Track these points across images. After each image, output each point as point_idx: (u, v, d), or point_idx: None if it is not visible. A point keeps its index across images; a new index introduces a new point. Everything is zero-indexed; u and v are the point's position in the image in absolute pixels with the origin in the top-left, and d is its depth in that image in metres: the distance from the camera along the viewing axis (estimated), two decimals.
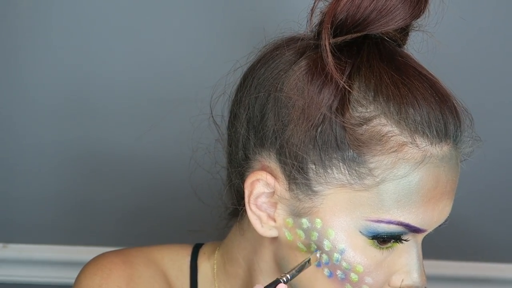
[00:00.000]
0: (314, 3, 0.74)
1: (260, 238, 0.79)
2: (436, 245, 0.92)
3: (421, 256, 0.75)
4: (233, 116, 0.79)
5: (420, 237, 0.74)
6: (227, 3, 1.16)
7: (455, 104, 0.73)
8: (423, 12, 0.74)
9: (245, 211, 0.81)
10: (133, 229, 1.27)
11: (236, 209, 0.83)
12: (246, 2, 1.15)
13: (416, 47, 0.78)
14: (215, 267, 0.86)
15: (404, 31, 0.76)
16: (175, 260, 0.87)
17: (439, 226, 0.75)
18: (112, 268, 0.83)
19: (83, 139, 1.22)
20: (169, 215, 1.25)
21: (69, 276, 1.25)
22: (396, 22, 0.72)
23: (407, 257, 0.74)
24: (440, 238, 0.84)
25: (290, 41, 0.76)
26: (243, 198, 0.79)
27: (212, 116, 0.85)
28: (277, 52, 0.76)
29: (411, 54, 0.77)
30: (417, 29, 0.77)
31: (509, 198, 1.24)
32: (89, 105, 1.20)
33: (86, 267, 0.85)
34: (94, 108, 1.21)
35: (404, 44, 0.78)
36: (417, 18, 0.74)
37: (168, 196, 1.24)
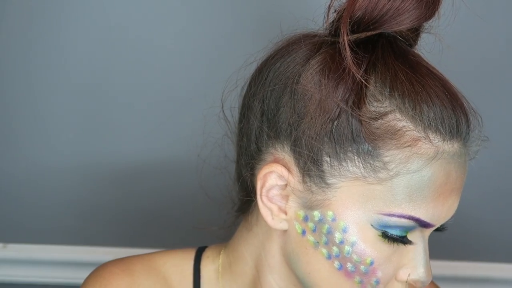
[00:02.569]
0: (331, 0, 0.75)
1: (268, 232, 0.80)
2: (436, 245, 0.93)
3: (427, 251, 0.76)
4: (246, 109, 0.80)
5: (428, 232, 0.76)
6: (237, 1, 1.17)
7: (465, 104, 0.75)
8: (436, 12, 0.75)
9: (253, 205, 0.82)
10: (135, 229, 1.26)
11: (243, 204, 0.84)
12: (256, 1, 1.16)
13: (427, 48, 0.80)
14: (220, 269, 0.86)
15: (416, 31, 0.78)
16: (177, 266, 0.87)
17: (444, 224, 0.76)
18: (111, 278, 0.84)
19: (84, 140, 1.22)
20: (176, 215, 1.25)
21: (69, 276, 1.26)
22: (411, 21, 0.74)
23: (414, 252, 0.75)
24: (440, 238, 0.85)
25: (306, 37, 0.78)
26: (252, 191, 0.80)
27: (223, 111, 0.86)
28: (293, 46, 0.77)
29: (421, 55, 0.78)
30: (427, 31, 0.78)
31: (509, 198, 1.24)
32: (94, 107, 1.20)
33: (87, 279, 0.86)
34: (99, 110, 1.20)
35: (415, 44, 0.79)
36: (430, 19, 0.76)
37: (176, 196, 1.24)
